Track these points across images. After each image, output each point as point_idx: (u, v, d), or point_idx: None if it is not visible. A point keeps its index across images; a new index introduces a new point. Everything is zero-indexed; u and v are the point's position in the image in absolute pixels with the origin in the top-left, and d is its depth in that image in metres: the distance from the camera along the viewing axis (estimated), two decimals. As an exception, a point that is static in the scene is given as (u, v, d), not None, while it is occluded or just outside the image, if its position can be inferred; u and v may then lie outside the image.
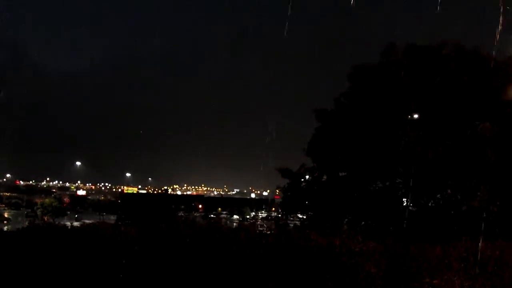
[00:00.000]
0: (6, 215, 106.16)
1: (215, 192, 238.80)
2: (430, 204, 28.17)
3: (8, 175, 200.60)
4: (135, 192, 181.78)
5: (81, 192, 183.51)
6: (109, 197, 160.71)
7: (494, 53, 26.32)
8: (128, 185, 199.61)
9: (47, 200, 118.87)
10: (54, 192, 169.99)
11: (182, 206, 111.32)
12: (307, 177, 31.57)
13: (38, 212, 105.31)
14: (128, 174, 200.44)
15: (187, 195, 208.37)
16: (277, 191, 35.78)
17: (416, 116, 27.95)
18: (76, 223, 20.70)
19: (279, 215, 38.71)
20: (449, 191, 27.81)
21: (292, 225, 30.67)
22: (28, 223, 17.43)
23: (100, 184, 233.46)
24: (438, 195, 28.20)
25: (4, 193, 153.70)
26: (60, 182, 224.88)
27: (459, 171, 26.13)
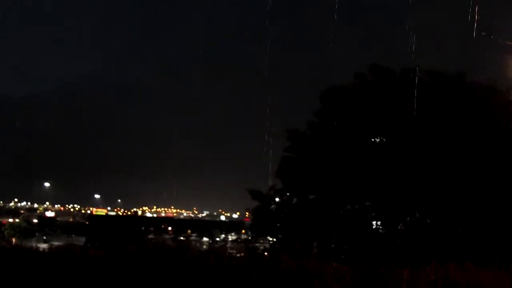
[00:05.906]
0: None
1: (185, 214, 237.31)
2: (399, 227, 28.27)
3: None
4: (104, 214, 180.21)
5: (49, 214, 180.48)
6: (78, 218, 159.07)
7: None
8: (97, 207, 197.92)
9: (15, 221, 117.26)
10: (22, 213, 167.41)
11: (152, 228, 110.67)
12: (277, 199, 31.44)
13: (6, 234, 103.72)
14: (97, 196, 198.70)
15: (156, 217, 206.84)
16: (247, 213, 35.57)
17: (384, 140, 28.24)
18: (44, 245, 20.48)
19: (249, 238, 38.50)
20: (417, 214, 27.96)
21: (262, 247, 30.56)
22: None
23: (68, 205, 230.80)
24: (408, 218, 28.32)
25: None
26: (29, 203, 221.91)
27: (429, 195, 26.36)
